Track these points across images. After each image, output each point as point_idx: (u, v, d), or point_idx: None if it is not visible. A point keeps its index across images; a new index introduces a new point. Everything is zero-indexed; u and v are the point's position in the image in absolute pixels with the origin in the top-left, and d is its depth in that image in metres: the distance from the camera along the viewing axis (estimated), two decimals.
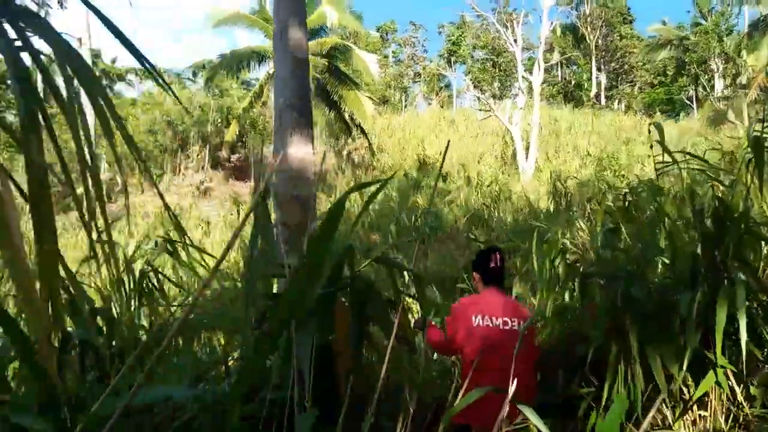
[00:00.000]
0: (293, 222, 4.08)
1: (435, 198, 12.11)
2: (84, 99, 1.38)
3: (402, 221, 11.17)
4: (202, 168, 24.00)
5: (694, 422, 3.01)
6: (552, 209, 8.50)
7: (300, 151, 4.28)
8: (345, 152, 22.93)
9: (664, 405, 3.05)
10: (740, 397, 2.82)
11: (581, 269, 3.37)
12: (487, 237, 7.44)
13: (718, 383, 2.81)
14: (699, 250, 3.00)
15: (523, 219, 8.75)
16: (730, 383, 2.83)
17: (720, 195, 2.95)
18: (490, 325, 2.97)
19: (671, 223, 3.33)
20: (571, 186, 10.54)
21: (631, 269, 3.17)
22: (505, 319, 3.01)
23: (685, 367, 2.81)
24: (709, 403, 2.95)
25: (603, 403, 3.04)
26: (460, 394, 1.70)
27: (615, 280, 3.07)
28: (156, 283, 3.00)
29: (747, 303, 2.70)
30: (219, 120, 23.38)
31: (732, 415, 2.86)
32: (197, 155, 24.01)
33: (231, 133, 19.35)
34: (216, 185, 23.02)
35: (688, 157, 3.26)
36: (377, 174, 18.57)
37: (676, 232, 3.00)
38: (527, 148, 17.69)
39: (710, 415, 2.97)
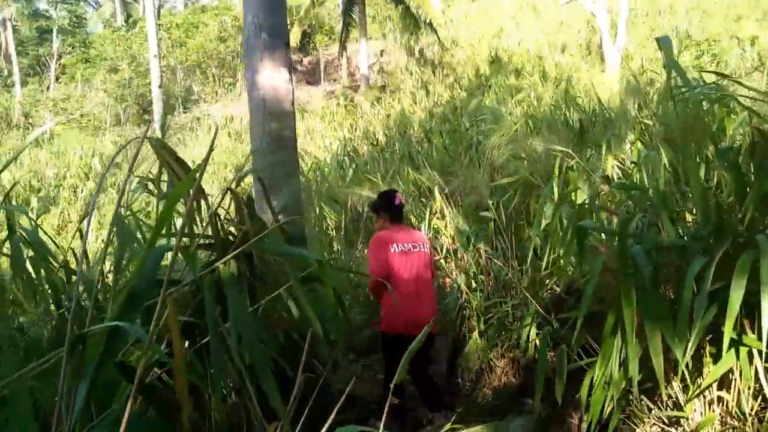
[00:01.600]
0: (266, 171, 3.54)
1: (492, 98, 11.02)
2: None
3: (463, 125, 10.29)
4: None
5: (711, 403, 2.37)
6: (615, 114, 7.32)
7: (273, 78, 3.63)
8: (418, 48, 21.63)
9: (674, 384, 2.41)
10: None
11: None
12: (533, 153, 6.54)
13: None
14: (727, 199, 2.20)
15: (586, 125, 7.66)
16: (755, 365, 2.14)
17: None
18: (404, 250, 3.58)
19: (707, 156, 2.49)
20: (645, 81, 9.10)
21: (640, 220, 2.42)
22: (414, 243, 3.65)
23: (690, 350, 2.12)
24: (733, 382, 2.29)
25: (597, 381, 2.46)
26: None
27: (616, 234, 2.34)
28: None
29: None
30: (288, 22, 22.61)
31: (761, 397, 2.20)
32: None
33: (294, 35, 18.59)
34: None
35: None
36: (447, 72, 17.33)
37: (695, 172, 2.16)
38: (616, 35, 15.67)
39: (732, 399, 2.30)
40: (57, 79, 24.00)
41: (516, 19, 21.67)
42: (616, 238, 2.29)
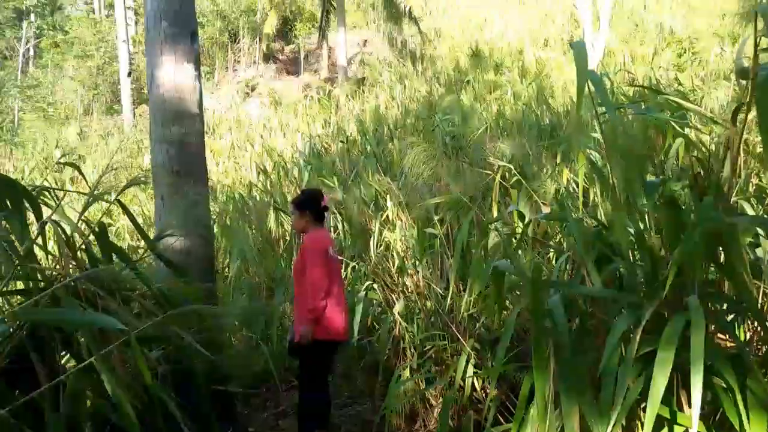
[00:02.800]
0: (165, 182, 3.13)
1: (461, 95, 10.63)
2: None
3: (431, 124, 9.90)
4: (254, 62, 23.16)
5: None
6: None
7: (176, 74, 3.21)
8: (400, 39, 21.16)
9: None
10: None
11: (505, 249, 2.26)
12: (503, 155, 6.17)
13: None
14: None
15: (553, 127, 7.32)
16: None
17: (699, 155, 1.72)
18: (332, 254, 3.52)
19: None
20: (621, 79, 8.76)
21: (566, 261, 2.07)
22: (334, 248, 3.64)
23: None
24: None
25: None
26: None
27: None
28: None
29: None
30: (267, 8, 22.00)
31: None
32: (248, 48, 23.11)
33: (269, 24, 18.06)
34: (267, 80, 22.12)
35: None
36: (426, 66, 16.91)
37: (619, 211, 1.81)
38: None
39: None
40: (28, 63, 23.29)
41: (500, 9, 21.25)
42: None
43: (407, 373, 3.42)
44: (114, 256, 2.24)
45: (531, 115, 8.99)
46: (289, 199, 7.49)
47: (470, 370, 3.20)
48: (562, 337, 1.81)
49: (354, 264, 5.18)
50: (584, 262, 2.05)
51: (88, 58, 19.55)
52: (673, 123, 2.01)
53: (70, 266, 1.91)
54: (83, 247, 2.04)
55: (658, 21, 16.71)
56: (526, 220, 2.52)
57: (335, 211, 6.24)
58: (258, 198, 8.10)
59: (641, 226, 1.88)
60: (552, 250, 2.83)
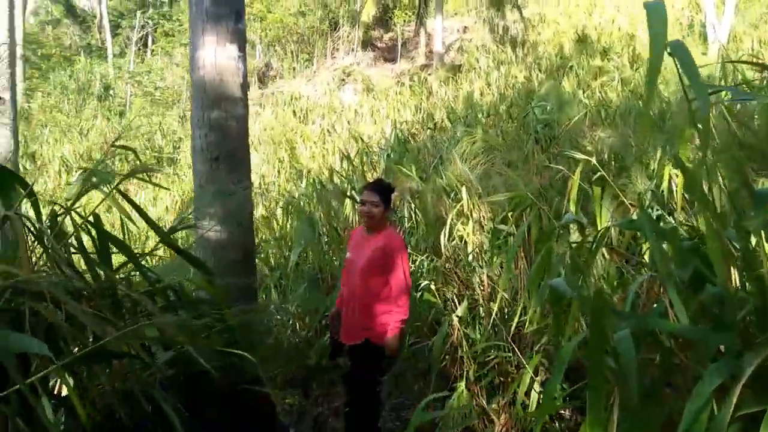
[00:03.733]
0: (202, 169, 2.92)
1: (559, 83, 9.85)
2: None
3: (531, 110, 9.27)
4: (352, 50, 23.24)
5: None
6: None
7: (217, 55, 2.99)
8: (502, 24, 20.32)
9: None
10: None
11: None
12: (601, 146, 5.55)
13: None
14: None
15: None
16: None
17: None
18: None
19: None
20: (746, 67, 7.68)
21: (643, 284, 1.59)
22: None
23: None
24: None
25: None
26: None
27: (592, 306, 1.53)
28: None
29: None
30: None
31: None
32: (347, 36, 23.22)
33: (367, 12, 17.90)
34: (364, 68, 22.09)
35: None
36: (527, 52, 16.05)
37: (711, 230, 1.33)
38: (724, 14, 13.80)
39: None
40: (145, 51, 24.74)
41: None
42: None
43: (462, 384, 3.03)
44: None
45: (637, 103, 8.14)
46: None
47: (537, 385, 2.78)
48: (629, 383, 1.37)
49: (423, 258, 4.83)
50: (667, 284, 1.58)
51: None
52: None
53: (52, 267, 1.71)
54: (73, 242, 1.85)
55: None
56: (604, 225, 2.06)
57: (410, 200, 5.90)
58: (339, 184, 7.92)
59: (750, 244, 1.38)
60: (634, 265, 2.34)
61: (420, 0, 16.93)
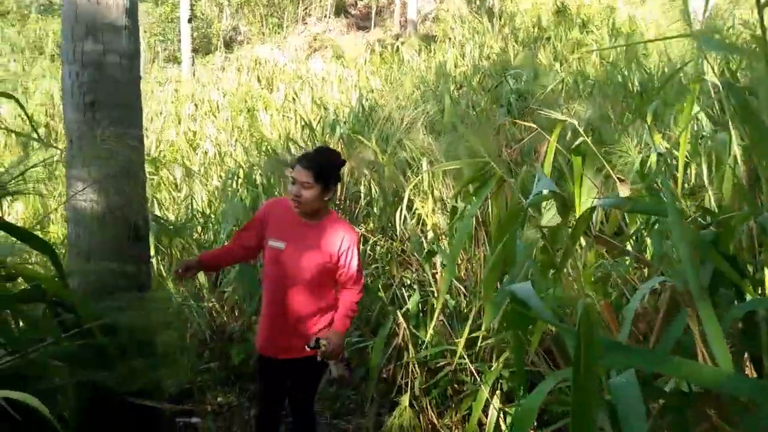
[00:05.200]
0: (74, 118, 2.25)
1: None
2: None
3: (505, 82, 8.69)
4: (325, 16, 22.35)
5: None
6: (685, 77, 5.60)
7: None
8: None
9: None
10: None
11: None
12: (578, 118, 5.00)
13: None
14: None
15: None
16: None
17: None
18: None
19: None
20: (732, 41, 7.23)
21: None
22: None
23: None
24: None
25: None
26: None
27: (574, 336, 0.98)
28: None
29: None
30: None
31: None
32: (320, 1, 22.31)
33: None
34: (336, 35, 21.23)
35: None
36: (504, 23, 15.43)
37: None
38: None
39: None
40: None
41: None
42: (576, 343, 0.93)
43: (407, 398, 2.48)
44: None
45: (617, 75, 7.62)
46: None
47: (496, 401, 2.25)
48: None
49: (376, 239, 4.26)
50: (689, 295, 1.02)
51: (158, 5, 19.32)
52: None
53: None
54: None
55: None
56: (587, 205, 1.51)
57: (366, 173, 5.31)
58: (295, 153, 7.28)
59: None
60: (629, 259, 1.78)
61: None
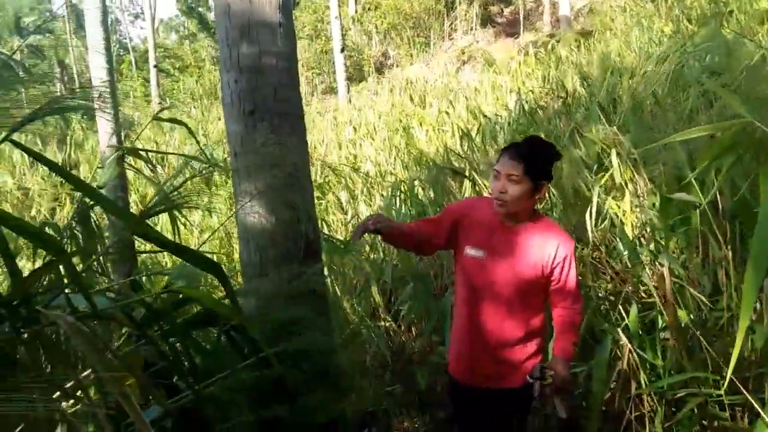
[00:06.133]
0: (235, 129, 2.06)
1: None
2: None
3: (685, 63, 7.67)
4: (471, 29, 22.10)
5: None
6: None
7: None
8: None
9: None
10: None
11: None
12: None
13: None
14: None
15: None
16: None
17: None
18: None
19: None
20: None
21: None
22: None
23: None
24: None
25: None
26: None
27: None
28: None
29: None
30: None
31: None
32: (465, 14, 22.11)
33: None
34: (484, 45, 20.83)
35: None
36: (671, 4, 13.92)
37: None
38: None
39: None
40: None
41: None
42: None
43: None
44: None
45: None
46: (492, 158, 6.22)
47: None
48: None
49: None
50: None
51: (312, 40, 20.45)
52: None
53: None
54: None
55: None
56: None
57: None
58: (457, 165, 6.97)
59: None
60: None
61: None
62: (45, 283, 1.58)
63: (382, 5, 22.42)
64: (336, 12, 15.25)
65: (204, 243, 2.12)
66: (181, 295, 1.49)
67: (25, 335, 1.09)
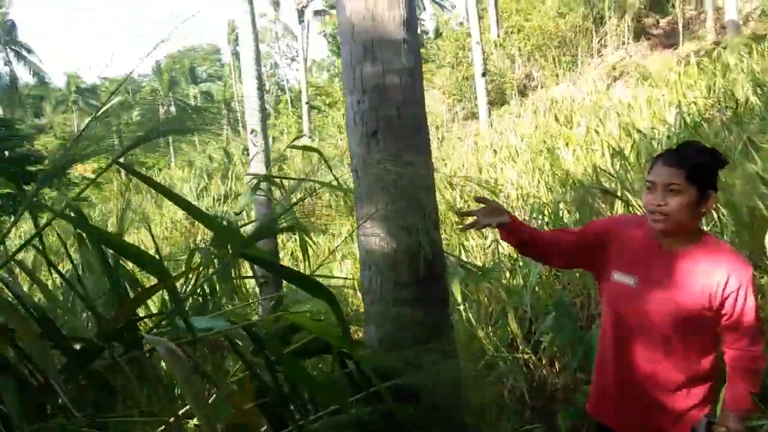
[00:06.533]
0: (357, 151, 1.99)
1: None
2: None
3: None
4: (623, 43, 20.86)
5: None
6: None
7: None
8: None
9: None
10: None
11: None
12: None
13: None
14: None
15: None
16: None
17: None
18: None
19: None
20: None
21: None
22: None
23: None
24: None
25: None
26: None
27: None
28: None
29: None
30: None
31: None
32: (615, 29, 20.95)
33: None
34: (638, 59, 19.52)
35: None
36: None
37: None
38: None
39: None
40: None
41: None
42: None
43: None
44: None
45: None
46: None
47: None
48: None
49: None
50: None
51: (453, 68, 20.60)
52: None
53: None
54: None
55: None
56: None
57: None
58: (607, 185, 6.46)
59: None
60: None
61: None
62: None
63: (526, 27, 21.99)
64: (477, 37, 15.18)
65: (319, 266, 2.09)
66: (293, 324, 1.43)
67: (125, 363, 1.06)
